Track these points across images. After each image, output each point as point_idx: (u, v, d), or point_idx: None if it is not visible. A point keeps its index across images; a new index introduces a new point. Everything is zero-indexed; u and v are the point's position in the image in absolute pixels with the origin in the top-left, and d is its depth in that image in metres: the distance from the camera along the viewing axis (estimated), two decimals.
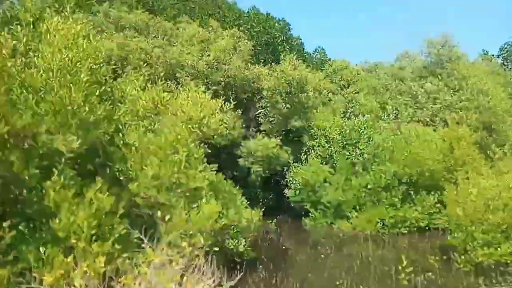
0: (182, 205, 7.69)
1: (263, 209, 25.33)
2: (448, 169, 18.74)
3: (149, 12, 28.64)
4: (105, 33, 22.01)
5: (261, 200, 25.12)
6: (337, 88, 31.41)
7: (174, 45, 22.58)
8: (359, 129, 21.91)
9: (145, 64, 20.00)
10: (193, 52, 21.65)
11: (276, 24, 31.83)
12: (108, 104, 8.21)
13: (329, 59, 47.54)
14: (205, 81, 21.30)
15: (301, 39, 42.99)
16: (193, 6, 29.85)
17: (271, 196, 25.12)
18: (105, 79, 9.12)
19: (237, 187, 23.10)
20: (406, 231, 17.17)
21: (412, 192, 18.17)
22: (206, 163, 11.02)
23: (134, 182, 7.71)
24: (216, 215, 7.99)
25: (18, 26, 8.39)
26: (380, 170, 18.90)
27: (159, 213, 7.19)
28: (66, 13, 8.97)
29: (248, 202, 23.07)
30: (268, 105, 23.17)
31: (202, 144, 10.09)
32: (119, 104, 9.10)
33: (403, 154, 18.97)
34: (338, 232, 17.69)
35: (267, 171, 22.26)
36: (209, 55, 22.00)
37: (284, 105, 22.25)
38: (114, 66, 19.27)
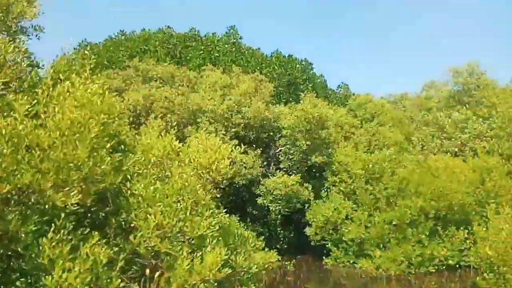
0: (185, 255, 7.83)
1: (283, 248, 24.96)
2: (479, 202, 17.87)
3: (177, 63, 30.47)
4: (132, 85, 23.62)
5: (282, 239, 24.81)
6: (360, 122, 31.20)
7: (197, 92, 23.65)
8: (382, 163, 21.49)
9: (168, 111, 21.01)
10: (214, 97, 22.53)
11: (297, 65, 32.64)
12: (118, 155, 8.69)
13: (353, 94, 47.78)
14: (226, 124, 21.98)
15: (324, 77, 43.77)
16: (217, 54, 31.35)
17: (292, 235, 24.75)
18: (118, 132, 9.70)
19: (256, 226, 23.02)
20: (434, 270, 16.21)
21: (440, 228, 17.32)
22: (215, 207, 11.26)
23: (138, 232, 7.98)
24: (220, 263, 8.02)
25: (40, 90, 9.21)
26: (405, 205, 18.26)
27: (161, 263, 7.35)
28: (86, 74, 9.76)
29: (267, 242, 22.83)
30: (288, 143, 23.36)
31: (211, 189, 10.33)
32: (131, 154, 9.59)
33: (430, 188, 18.32)
34: (360, 272, 16.96)
35: (286, 209, 22.09)
36: (230, 99, 22.82)
37: (304, 142, 22.35)
38: (134, 116, 20.52)
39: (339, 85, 49.98)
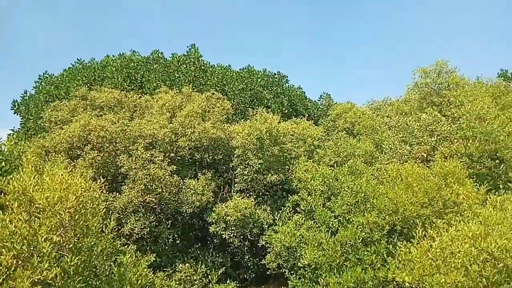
0: None
1: (251, 278, 23.18)
2: (439, 213, 16.11)
3: (139, 87, 29.63)
4: (75, 116, 22.63)
5: (252, 267, 23.15)
6: (326, 132, 29.83)
7: (142, 118, 22.54)
8: (341, 177, 19.89)
9: (106, 141, 19.90)
10: (160, 121, 21.42)
11: (259, 79, 31.51)
12: None
13: (335, 103, 46.34)
14: (170, 148, 20.78)
15: (301, 89, 42.59)
16: (178, 75, 30.47)
17: (261, 262, 23.09)
18: None
19: (217, 257, 21.30)
20: None
21: (390, 246, 15.53)
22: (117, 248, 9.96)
23: None
24: None
25: None
26: (358, 222, 16.59)
27: None
28: None
29: (233, 271, 21.18)
30: (242, 163, 22.00)
31: (63, 232, 9.02)
32: None
33: (383, 201, 16.67)
34: None
35: (241, 236, 20.51)
36: (175, 122, 21.69)
37: (256, 161, 20.97)
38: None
39: (320, 95, 48.83)
